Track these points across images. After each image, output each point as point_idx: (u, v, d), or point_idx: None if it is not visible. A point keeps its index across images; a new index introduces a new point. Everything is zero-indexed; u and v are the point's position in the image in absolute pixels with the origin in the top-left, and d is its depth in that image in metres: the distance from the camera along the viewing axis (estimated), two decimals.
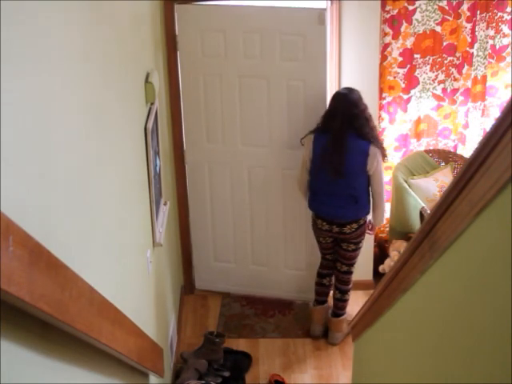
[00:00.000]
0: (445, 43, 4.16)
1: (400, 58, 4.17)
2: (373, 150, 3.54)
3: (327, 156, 3.57)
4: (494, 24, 4.12)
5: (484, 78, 4.26)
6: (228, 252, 4.49)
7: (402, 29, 4.09)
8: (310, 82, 3.88)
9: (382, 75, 4.17)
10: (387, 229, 4.58)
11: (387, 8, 4.02)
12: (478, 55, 4.19)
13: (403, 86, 4.24)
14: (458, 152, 4.46)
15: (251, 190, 4.27)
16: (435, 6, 4.05)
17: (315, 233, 3.89)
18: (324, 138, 3.59)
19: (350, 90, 3.59)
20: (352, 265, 3.92)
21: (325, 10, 3.72)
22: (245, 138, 4.13)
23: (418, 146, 4.46)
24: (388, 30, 4.09)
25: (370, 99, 4.07)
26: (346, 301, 4.03)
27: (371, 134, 3.57)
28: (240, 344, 4.05)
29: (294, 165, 3.98)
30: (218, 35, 3.88)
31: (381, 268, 4.36)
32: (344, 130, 3.52)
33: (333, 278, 4.04)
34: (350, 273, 3.95)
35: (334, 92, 3.74)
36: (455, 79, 4.26)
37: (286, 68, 3.88)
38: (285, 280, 4.45)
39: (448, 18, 4.08)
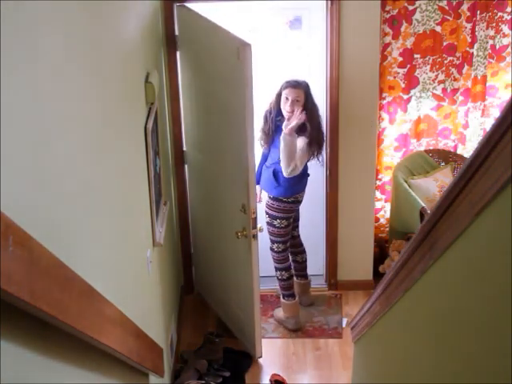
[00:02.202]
0: (445, 43, 4.16)
1: (400, 58, 4.17)
2: None
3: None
4: (494, 24, 4.12)
5: (484, 78, 4.26)
6: (208, 266, 4.34)
7: (402, 29, 4.09)
8: (237, 119, 3.38)
9: (382, 75, 4.16)
10: (387, 229, 4.58)
11: (387, 8, 4.02)
12: (478, 55, 4.19)
13: (403, 86, 4.24)
14: (458, 152, 4.46)
15: (219, 217, 4.00)
16: (435, 6, 4.05)
17: (288, 214, 4.01)
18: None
19: None
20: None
21: (247, 44, 3.16)
22: (213, 161, 3.90)
23: (418, 146, 4.46)
24: (388, 29, 4.08)
25: (369, 99, 4.09)
26: (307, 259, 4.38)
27: None
28: (240, 344, 4.05)
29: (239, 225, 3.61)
30: (196, 42, 3.70)
31: (381, 268, 4.36)
32: None
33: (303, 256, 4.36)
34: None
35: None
36: (455, 79, 4.26)
37: (224, 95, 3.50)
38: (236, 318, 4.08)
39: (448, 17, 4.08)
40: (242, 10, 4.13)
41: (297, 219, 4.26)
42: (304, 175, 4.02)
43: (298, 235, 4.34)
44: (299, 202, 4.05)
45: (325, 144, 4.06)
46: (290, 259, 4.28)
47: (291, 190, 3.94)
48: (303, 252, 4.36)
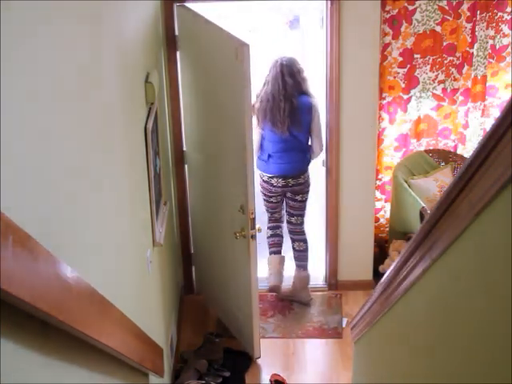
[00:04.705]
0: (445, 43, 4.16)
1: (400, 58, 4.17)
2: None
3: None
4: (494, 24, 4.12)
5: (484, 78, 4.26)
6: (208, 267, 4.33)
7: (402, 29, 4.09)
8: (236, 119, 3.39)
9: (382, 75, 4.16)
10: (387, 229, 4.58)
11: (387, 8, 4.02)
12: (478, 55, 4.19)
13: (403, 86, 4.24)
14: (458, 152, 4.46)
15: (218, 217, 4.00)
16: (435, 6, 4.05)
17: (264, 190, 4.25)
18: None
19: None
20: (303, 215, 4.35)
21: (245, 45, 3.16)
22: (212, 161, 3.91)
23: (418, 146, 4.46)
24: (388, 29, 4.08)
25: (369, 99, 4.09)
26: (306, 250, 4.40)
27: None
28: (240, 344, 4.05)
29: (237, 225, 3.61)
30: (195, 42, 3.71)
31: (381, 268, 4.36)
32: None
33: (283, 229, 4.46)
34: (303, 223, 4.38)
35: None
36: (455, 79, 4.26)
37: (223, 96, 3.50)
38: (235, 318, 4.05)
39: (448, 18, 4.08)
40: (242, 10, 4.13)
41: (290, 208, 4.31)
42: (270, 156, 4.11)
43: (296, 223, 4.36)
44: (271, 185, 4.17)
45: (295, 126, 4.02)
46: (290, 245, 4.46)
47: (258, 163, 4.13)
48: (300, 240, 4.40)
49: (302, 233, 4.41)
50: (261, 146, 4.14)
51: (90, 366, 1.71)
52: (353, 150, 4.20)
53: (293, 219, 4.36)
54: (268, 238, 4.46)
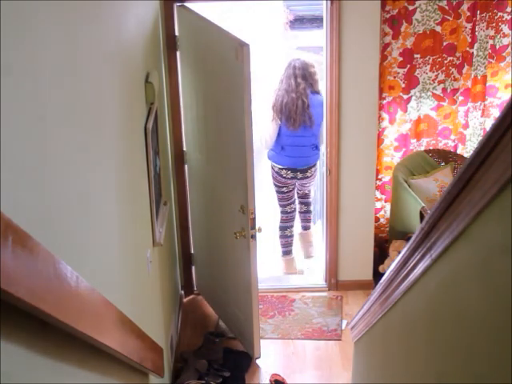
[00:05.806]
0: (445, 43, 4.16)
1: (400, 58, 4.17)
2: None
3: None
4: (493, 24, 4.12)
5: (484, 77, 4.26)
6: (208, 267, 4.32)
7: (402, 29, 4.09)
8: (236, 119, 3.38)
9: (382, 75, 4.16)
10: (387, 229, 4.58)
11: (387, 8, 4.02)
12: (478, 55, 4.19)
13: (403, 85, 4.24)
14: (458, 152, 4.46)
15: (218, 217, 3.99)
16: (435, 6, 4.05)
17: (276, 182, 4.68)
18: None
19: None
20: (310, 203, 4.88)
21: (245, 45, 3.15)
22: (212, 161, 3.91)
23: (418, 146, 4.46)
24: (388, 29, 4.08)
25: (370, 99, 4.09)
26: (309, 211, 4.90)
27: None
28: (240, 344, 4.05)
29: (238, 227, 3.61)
30: (195, 42, 3.72)
31: (381, 268, 4.36)
32: None
33: (293, 230, 4.86)
34: (310, 210, 4.91)
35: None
36: (455, 79, 4.26)
37: (223, 95, 3.50)
38: (235, 318, 4.03)
39: (448, 18, 4.08)
40: (241, 9, 4.13)
41: (299, 196, 4.79)
42: (282, 148, 4.47)
43: (304, 211, 4.85)
44: (282, 176, 4.57)
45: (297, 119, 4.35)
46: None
47: (270, 154, 4.59)
48: (304, 212, 4.89)
49: (309, 212, 4.90)
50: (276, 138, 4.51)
51: (90, 366, 1.71)
52: (353, 150, 4.20)
53: (301, 207, 4.84)
54: (280, 237, 4.85)
